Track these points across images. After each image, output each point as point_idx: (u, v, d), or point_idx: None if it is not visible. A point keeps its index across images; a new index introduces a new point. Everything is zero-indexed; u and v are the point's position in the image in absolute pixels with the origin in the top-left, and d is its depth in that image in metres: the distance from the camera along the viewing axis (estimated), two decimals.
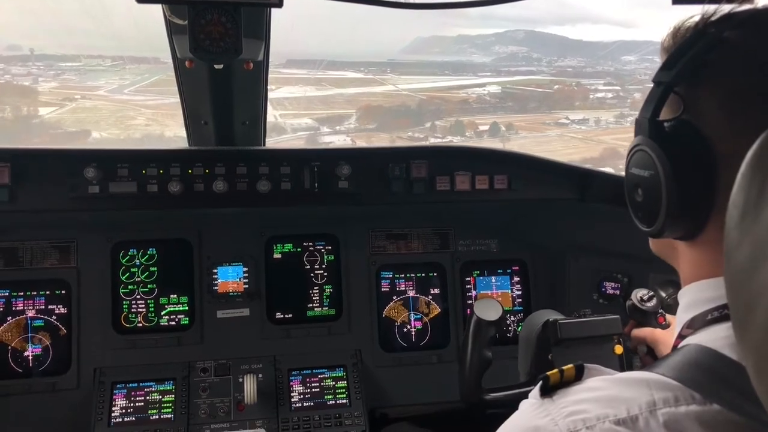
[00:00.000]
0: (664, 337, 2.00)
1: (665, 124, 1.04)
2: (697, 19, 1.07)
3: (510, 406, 1.06)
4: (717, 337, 0.95)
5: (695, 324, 1.02)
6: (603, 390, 0.94)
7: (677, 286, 1.12)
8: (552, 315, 2.14)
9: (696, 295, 1.05)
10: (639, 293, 2.14)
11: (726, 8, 1.05)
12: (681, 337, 1.04)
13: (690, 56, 1.01)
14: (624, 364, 2.07)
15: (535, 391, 1.01)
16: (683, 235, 1.06)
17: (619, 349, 2.07)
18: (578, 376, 0.99)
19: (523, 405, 1.03)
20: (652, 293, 2.14)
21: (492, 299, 2.18)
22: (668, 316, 2.11)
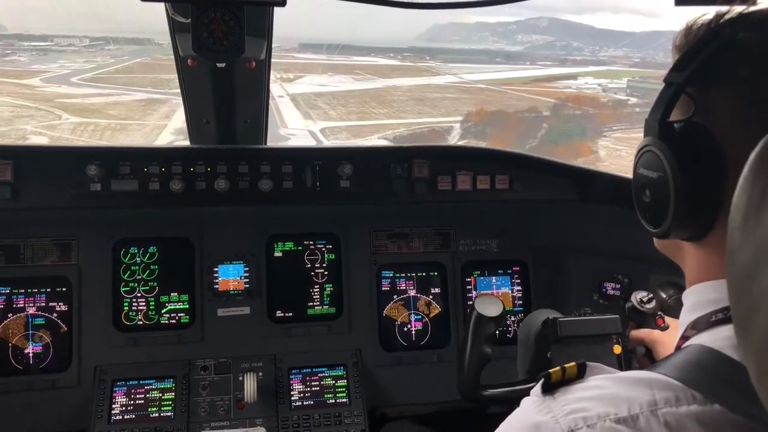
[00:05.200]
0: (662, 339, 2.01)
1: (675, 126, 1.02)
2: (709, 17, 1.05)
3: (508, 404, 1.06)
4: (720, 338, 0.95)
5: (699, 325, 1.02)
6: (605, 389, 0.94)
7: (678, 287, 1.12)
8: (551, 314, 2.15)
9: (700, 297, 1.05)
10: (638, 295, 2.16)
11: (739, 8, 1.03)
12: (684, 338, 1.04)
13: (702, 57, 1.00)
14: (623, 363, 2.08)
15: (537, 388, 1.01)
16: (690, 236, 1.05)
17: (617, 349, 2.08)
18: (580, 374, 0.99)
19: (525, 402, 1.03)
20: (651, 295, 2.16)
21: (493, 296, 2.20)
22: (667, 318, 2.13)
